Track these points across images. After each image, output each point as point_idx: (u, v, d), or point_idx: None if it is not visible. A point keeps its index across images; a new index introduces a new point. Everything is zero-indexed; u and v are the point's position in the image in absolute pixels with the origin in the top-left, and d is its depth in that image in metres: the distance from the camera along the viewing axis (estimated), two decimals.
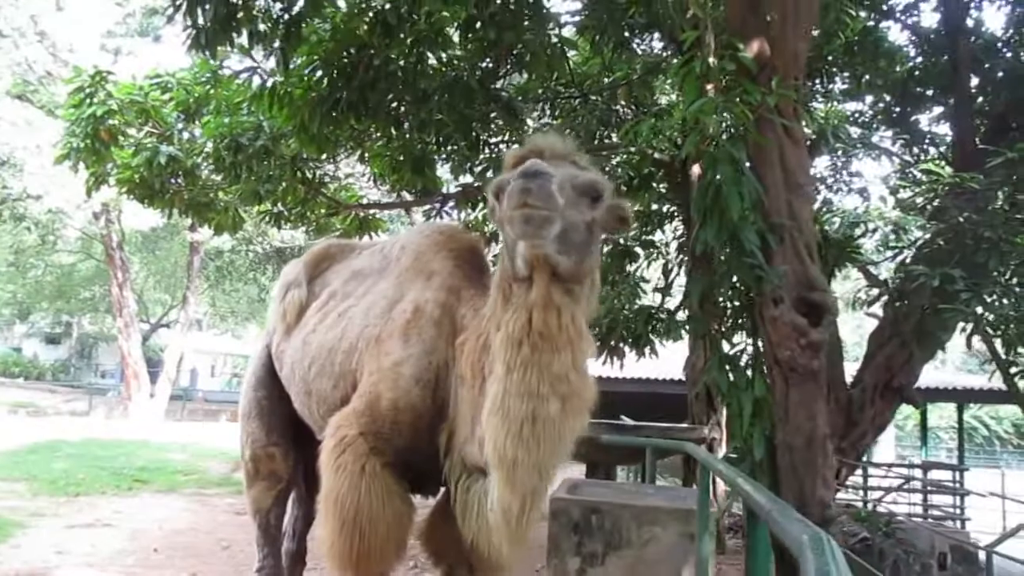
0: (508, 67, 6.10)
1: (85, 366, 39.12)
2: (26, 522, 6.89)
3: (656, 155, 7.25)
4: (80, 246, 27.94)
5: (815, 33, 6.84)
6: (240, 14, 5.26)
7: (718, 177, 4.06)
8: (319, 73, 6.02)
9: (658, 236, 9.47)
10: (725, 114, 4.12)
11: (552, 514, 4.06)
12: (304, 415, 3.15)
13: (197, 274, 22.91)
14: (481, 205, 8.87)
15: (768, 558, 2.21)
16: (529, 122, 7.75)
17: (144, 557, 5.89)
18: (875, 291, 7.91)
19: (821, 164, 9.30)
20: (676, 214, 8.92)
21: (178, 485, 9.71)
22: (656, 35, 7.15)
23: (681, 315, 8.16)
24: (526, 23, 5.16)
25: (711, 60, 4.35)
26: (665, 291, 9.00)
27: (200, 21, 5.11)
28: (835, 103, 8.87)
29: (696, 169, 5.19)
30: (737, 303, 4.77)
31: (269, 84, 6.12)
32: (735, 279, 4.43)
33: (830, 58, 7.54)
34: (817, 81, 7.88)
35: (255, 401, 3.45)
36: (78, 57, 16.67)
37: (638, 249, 8.81)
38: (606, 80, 7.27)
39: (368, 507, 2.43)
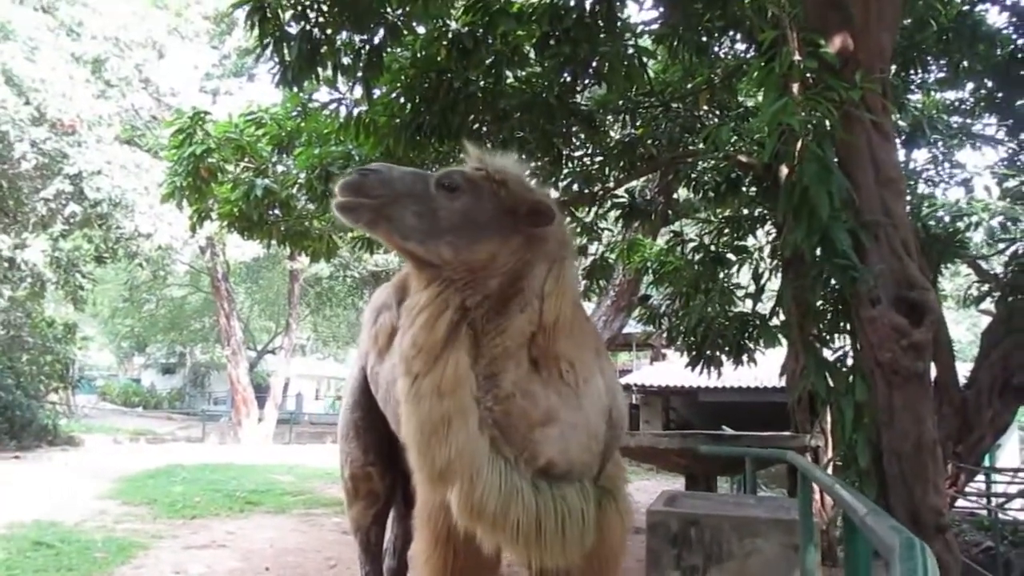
0: (586, 81, 6.10)
1: (199, 394, 40.75)
2: (147, 544, 7.24)
3: (743, 159, 7.11)
4: (189, 280, 29.33)
5: (906, 22, 6.61)
6: (324, 48, 5.47)
7: (805, 177, 3.96)
8: (402, 100, 6.17)
9: (751, 241, 9.27)
10: (809, 113, 4.02)
11: (650, 527, 4.02)
12: (400, 435, 3.22)
13: (298, 301, 23.66)
14: (569, 219, 8.90)
15: (867, 566, 2.12)
16: (612, 134, 7.73)
17: None
18: (986, 286, 7.54)
19: (920, 157, 8.94)
20: (768, 217, 8.71)
21: (287, 506, 10.02)
22: (737, 36, 7.05)
23: (777, 320, 7.95)
24: (601, 35, 5.16)
25: (794, 58, 4.27)
26: (757, 296, 8.79)
27: (286, 57, 5.34)
28: (932, 93, 8.51)
29: (785, 170, 5.07)
30: (832, 305, 4.62)
31: (355, 114, 6.32)
32: (829, 280, 4.31)
33: (924, 47, 7.23)
34: (912, 71, 7.58)
35: (352, 422, 3.55)
36: (180, 100, 17.61)
37: (730, 255, 8.63)
38: (688, 87, 7.17)
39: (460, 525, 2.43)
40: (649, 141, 7.09)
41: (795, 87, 4.23)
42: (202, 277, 25.47)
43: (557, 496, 2.32)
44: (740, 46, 7.15)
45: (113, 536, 7.48)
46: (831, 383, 4.44)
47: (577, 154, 7.61)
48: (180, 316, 33.20)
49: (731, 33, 6.52)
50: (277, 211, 8.23)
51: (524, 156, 6.89)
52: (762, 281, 7.59)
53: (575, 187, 7.70)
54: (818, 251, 4.17)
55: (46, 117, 13.73)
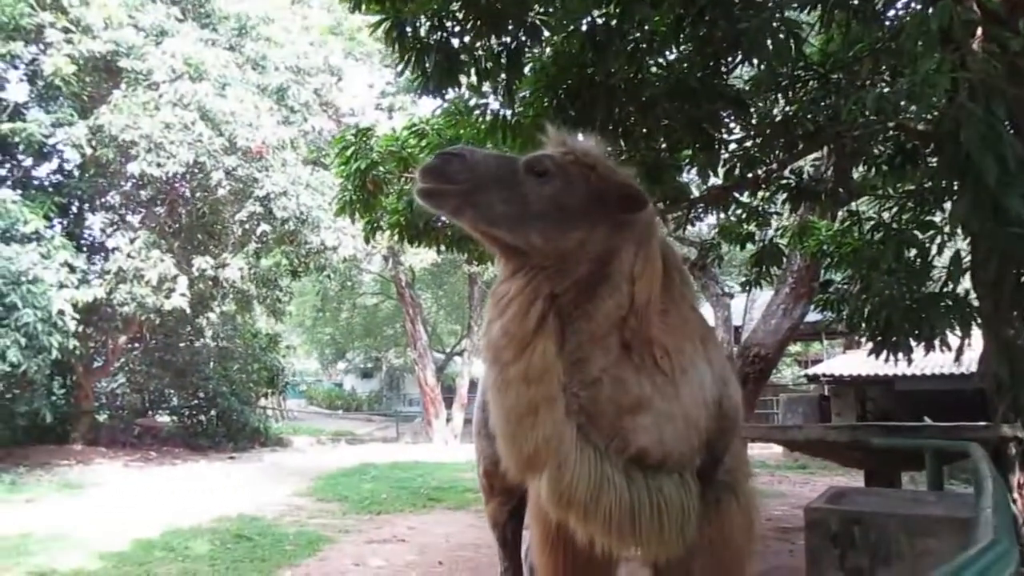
0: (731, 60, 5.84)
1: (395, 396, 42.81)
2: (335, 538, 7.72)
3: (920, 127, 6.55)
4: (380, 288, 30.95)
5: None
6: (463, 55, 5.59)
7: (967, 142, 3.59)
8: (544, 99, 6.19)
9: (940, 216, 8.53)
10: (969, 69, 3.64)
11: (809, 525, 3.79)
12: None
13: (478, 304, 24.33)
14: (734, 207, 8.59)
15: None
16: (773, 113, 7.36)
17: (427, 570, 6.35)
18: None
19: None
20: (952, 189, 7.97)
21: (467, 503, 10.33)
22: None
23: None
24: (736, 12, 4.92)
25: (955, 9, 3.88)
26: (954, 276, 8.06)
27: (427, 67, 5.51)
28: None
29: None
30: (1014, 282, 4.16)
31: (500, 116, 6.40)
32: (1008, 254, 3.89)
33: None
34: None
35: (484, 420, 3.59)
36: (358, 119, 18.66)
37: (916, 232, 7.98)
38: (849, 55, 6.69)
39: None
40: (809, 117, 6.67)
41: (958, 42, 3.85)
42: (390, 285, 26.79)
43: (653, 487, 2.24)
44: (904, 1, 6.59)
45: (304, 530, 8.04)
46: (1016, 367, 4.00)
47: (733, 137, 7.31)
48: (374, 323, 35.12)
49: None
50: (443, 219, 8.48)
51: (672, 145, 6.75)
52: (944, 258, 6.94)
53: (736, 171, 7.41)
54: (988, 223, 3.76)
55: (236, 146, 14.98)
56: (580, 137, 2.43)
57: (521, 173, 2.23)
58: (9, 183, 16.10)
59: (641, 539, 2.22)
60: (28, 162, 16.51)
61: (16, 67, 15.23)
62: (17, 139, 14.01)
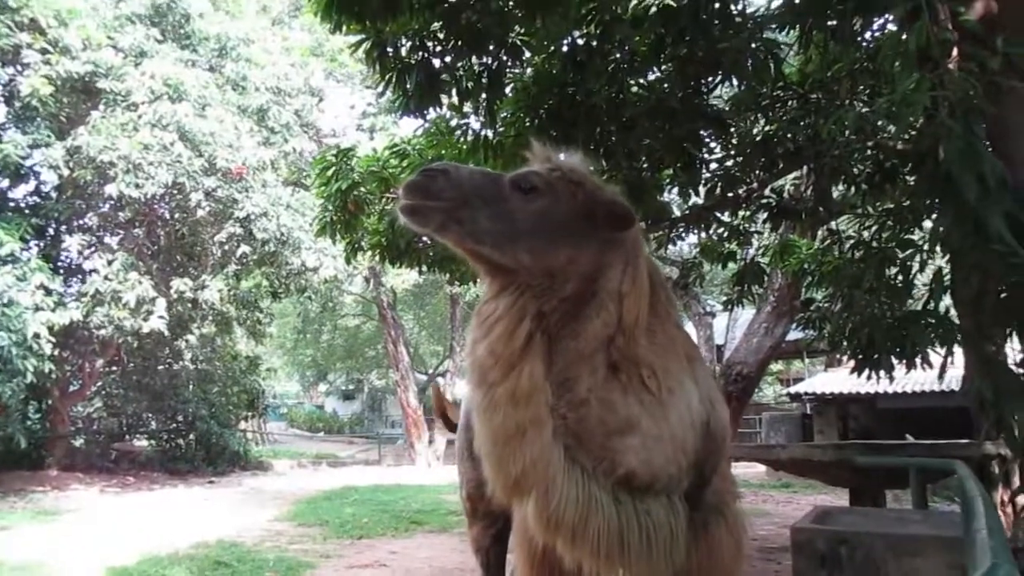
0: (711, 80, 5.88)
1: (376, 418, 42.57)
2: (315, 563, 7.60)
3: (899, 145, 6.61)
4: (361, 309, 30.82)
5: None
6: (444, 75, 5.58)
7: (947, 159, 3.61)
8: (525, 118, 6.19)
9: (920, 234, 8.59)
10: (948, 88, 3.66)
11: (795, 546, 3.76)
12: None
13: (460, 324, 24.27)
14: (716, 226, 8.60)
15: None
16: (753, 132, 7.40)
17: None
18: None
19: None
20: (933, 207, 8.03)
21: (450, 526, 10.22)
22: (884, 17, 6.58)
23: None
24: (716, 33, 4.95)
25: (931, 29, 3.91)
26: (935, 294, 8.09)
27: (409, 87, 5.49)
28: None
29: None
30: (997, 298, 4.17)
31: (481, 136, 6.40)
32: (986, 271, 3.89)
33: None
34: None
35: (467, 442, 3.53)
36: (339, 140, 18.64)
37: (896, 250, 8.02)
38: (828, 75, 6.75)
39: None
40: (788, 136, 6.73)
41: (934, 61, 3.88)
42: (372, 306, 26.69)
43: (641, 510, 2.19)
44: (880, 22, 6.67)
45: (285, 556, 7.91)
46: (999, 385, 4.00)
47: (714, 157, 7.34)
48: (355, 344, 34.92)
49: (868, 14, 6.07)
50: (425, 238, 8.44)
51: (653, 164, 6.77)
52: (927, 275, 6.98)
53: (717, 191, 7.43)
54: (969, 240, 3.77)
55: (216, 167, 14.87)
56: (564, 155, 2.40)
57: (507, 190, 2.20)
58: None
59: (629, 563, 2.17)
60: (4, 183, 16.33)
61: None
62: None
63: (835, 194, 8.68)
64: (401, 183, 8.17)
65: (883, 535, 3.64)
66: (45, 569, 7.39)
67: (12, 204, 16.39)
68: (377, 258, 8.99)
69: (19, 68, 14.70)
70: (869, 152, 6.90)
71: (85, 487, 15.43)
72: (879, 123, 4.97)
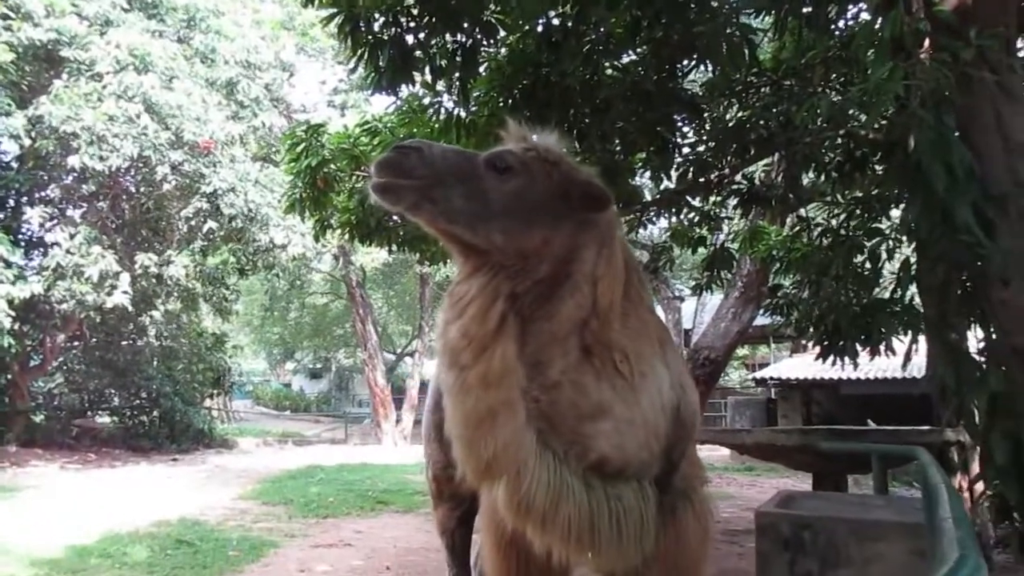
0: (686, 64, 5.86)
1: (344, 397, 42.43)
2: (279, 542, 7.55)
3: (870, 135, 6.65)
4: (330, 287, 30.60)
5: None
6: (417, 52, 5.50)
7: (918, 149, 3.63)
8: (499, 98, 6.13)
9: (887, 223, 8.68)
10: (920, 78, 3.68)
11: (760, 529, 3.79)
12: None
13: (429, 304, 24.18)
14: (687, 211, 8.61)
15: None
16: (727, 118, 7.41)
17: (375, 575, 6.23)
18: None
19: None
20: (902, 197, 8.11)
21: (416, 506, 10.21)
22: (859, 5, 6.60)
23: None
24: (692, 16, 4.92)
25: (905, 19, 3.92)
26: (902, 282, 8.20)
27: (381, 64, 5.41)
28: None
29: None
30: (960, 287, 4.22)
31: (454, 115, 6.33)
32: (952, 260, 3.94)
33: None
34: None
35: (434, 424, 3.50)
36: (310, 116, 18.38)
37: (864, 238, 8.11)
38: (801, 62, 6.77)
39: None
40: (761, 123, 6.74)
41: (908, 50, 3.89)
42: (341, 285, 26.49)
43: (612, 495, 2.18)
44: (855, 11, 6.69)
45: (248, 535, 7.85)
46: (959, 373, 4.06)
47: (687, 142, 7.34)
48: (323, 323, 34.72)
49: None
50: (396, 217, 8.36)
51: (627, 148, 6.75)
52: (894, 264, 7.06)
53: (689, 176, 7.44)
54: (937, 229, 3.81)
55: (183, 140, 14.62)
56: (539, 135, 2.36)
57: (482, 169, 2.15)
58: None
59: (599, 549, 2.15)
60: None
61: None
62: None
63: (805, 181, 8.75)
64: (373, 160, 8.13)
65: (846, 520, 3.69)
66: (2, 547, 7.25)
67: None
68: (347, 236, 8.90)
69: None
70: (840, 141, 6.95)
71: (45, 463, 15.20)
72: (851, 112, 4.98)
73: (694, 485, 2.52)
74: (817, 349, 8.47)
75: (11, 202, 16.25)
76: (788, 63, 6.74)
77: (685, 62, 5.79)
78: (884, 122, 5.43)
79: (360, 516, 9.44)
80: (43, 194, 16.43)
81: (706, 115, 6.73)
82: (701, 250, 8.97)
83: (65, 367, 19.82)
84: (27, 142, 14.36)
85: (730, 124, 6.80)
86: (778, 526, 3.70)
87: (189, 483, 13.05)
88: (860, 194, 7.99)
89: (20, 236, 16.02)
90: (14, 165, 16.12)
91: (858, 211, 7.95)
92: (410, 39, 5.45)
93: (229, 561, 6.66)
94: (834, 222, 8.07)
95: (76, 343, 19.12)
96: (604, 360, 2.18)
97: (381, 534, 8.17)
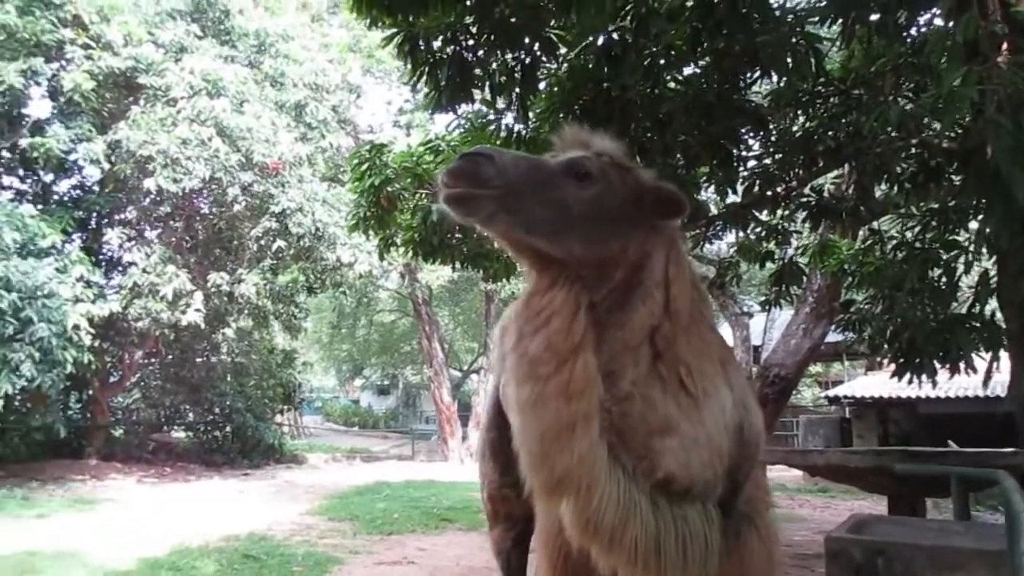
0: (749, 75, 5.74)
1: (411, 413, 42.74)
2: (343, 559, 7.60)
3: (944, 143, 6.41)
4: (396, 305, 30.96)
5: None
6: (476, 70, 5.52)
7: (996, 157, 3.46)
8: (560, 114, 6.09)
9: (965, 235, 8.34)
10: (997, 83, 3.50)
11: (829, 555, 3.63)
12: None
13: (494, 322, 24.21)
14: (753, 224, 8.43)
15: None
16: (792, 129, 7.24)
17: None
18: None
19: None
20: (980, 207, 7.78)
21: (479, 524, 10.12)
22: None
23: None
24: (755, 26, 4.81)
25: (980, 22, 3.75)
26: (982, 297, 7.86)
27: (441, 83, 5.44)
28: None
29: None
30: None
31: (514, 132, 6.33)
32: None
33: None
34: None
35: (488, 442, 3.46)
36: (376, 136, 18.69)
37: (940, 251, 7.80)
38: (871, 70, 6.56)
39: (578, 549, 2.26)
40: (829, 134, 6.55)
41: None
42: (408, 302, 26.75)
43: (678, 516, 2.08)
44: (927, 16, 6.46)
45: (314, 551, 7.92)
46: None
47: (752, 154, 7.19)
48: (390, 340, 35.11)
49: (915, 6, 5.88)
50: (459, 234, 8.39)
51: (690, 160, 6.64)
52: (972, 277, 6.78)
53: (755, 189, 7.29)
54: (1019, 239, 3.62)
55: (253, 162, 15.01)
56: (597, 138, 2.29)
57: (558, 176, 2.07)
58: (29, 198, 16.27)
59: (664, 572, 2.05)
60: (49, 177, 16.70)
61: (38, 83, 15.36)
62: (36, 154, 14.10)
63: (877, 193, 8.48)
64: (436, 176, 8.13)
65: (922, 547, 3.50)
66: (79, 558, 7.48)
67: (56, 197, 16.77)
68: (410, 254, 8.96)
69: (63, 64, 14.95)
70: (913, 150, 6.70)
71: (123, 477, 15.66)
72: (924, 120, 4.79)
73: (759, 508, 2.41)
74: (893, 366, 8.19)
75: (92, 224, 16.92)
76: (857, 71, 6.55)
77: (748, 73, 5.66)
78: (959, 130, 5.24)
79: (424, 533, 9.45)
80: (122, 216, 17.07)
81: (771, 126, 6.56)
82: (769, 265, 8.75)
83: (142, 383, 20.44)
84: (107, 166, 14.96)
85: (797, 135, 6.63)
86: (849, 552, 3.53)
87: (259, 498, 13.28)
88: (935, 205, 7.70)
89: (100, 256, 16.66)
90: (95, 189, 16.81)
91: (934, 223, 7.66)
92: (469, 57, 5.46)
93: None
94: (908, 234, 7.80)
95: (153, 360, 19.73)
96: (671, 372, 2.11)
97: (444, 552, 8.16)
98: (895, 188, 7.52)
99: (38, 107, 15.67)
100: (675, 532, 2.08)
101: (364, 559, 7.64)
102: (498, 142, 6.73)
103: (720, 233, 9.28)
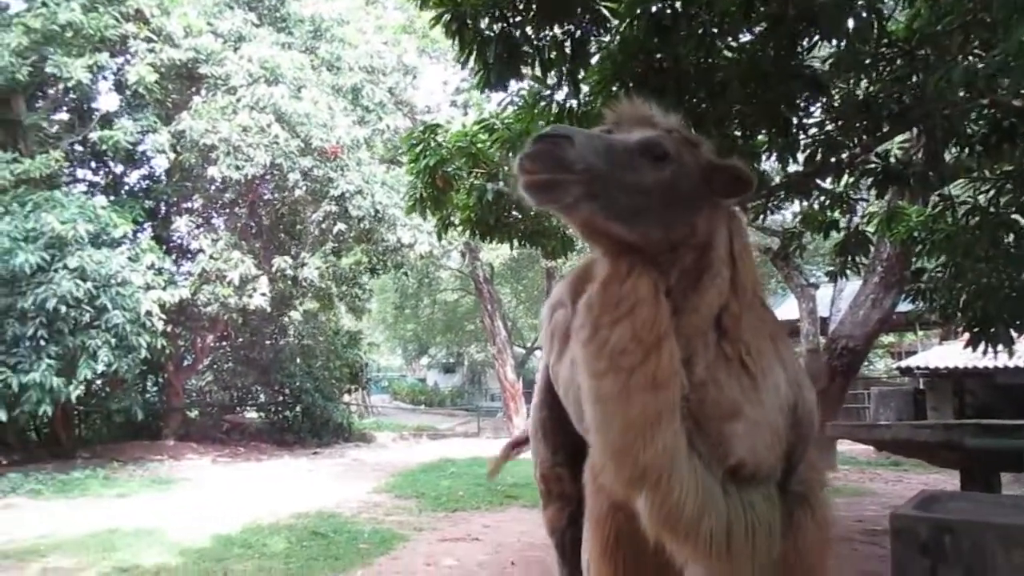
0: (807, 40, 5.55)
1: (477, 391, 43.17)
2: (409, 535, 7.72)
3: (1017, 102, 6.11)
4: (459, 283, 31.18)
5: None
6: (525, 46, 5.46)
7: None
8: (612, 87, 6.00)
9: None
10: None
11: (895, 532, 3.51)
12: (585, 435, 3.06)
13: None
14: (817, 193, 8.21)
15: None
16: (856, 93, 7.00)
17: (499, 570, 6.27)
18: None
19: None
20: None
21: None
22: None
23: None
24: None
25: None
26: None
27: (489, 60, 5.40)
28: None
29: None
30: None
31: (566, 107, 6.26)
32: None
33: None
34: None
35: (540, 421, 3.45)
36: (433, 117, 18.74)
37: (1016, 216, 7.48)
38: (937, 28, 6.28)
39: (629, 530, 2.23)
40: (894, 96, 6.30)
41: None
42: (470, 281, 26.92)
43: (746, 502, 2.04)
44: None
45: (380, 528, 8.07)
46: None
47: (813, 121, 6.97)
48: (454, 318, 35.42)
49: None
50: (516, 212, 8.36)
51: (747, 130, 6.47)
52: None
53: (818, 157, 7.08)
54: None
55: (312, 147, 15.22)
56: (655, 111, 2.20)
57: (634, 156, 1.97)
58: (100, 189, 16.82)
59: (732, 560, 2.01)
60: (119, 169, 17.23)
61: (104, 78, 15.82)
62: (106, 147, 14.54)
63: (948, 157, 8.16)
64: (491, 155, 8.08)
65: (993, 524, 3.36)
66: (157, 535, 7.76)
67: (126, 188, 17.31)
68: (468, 234, 8.98)
69: (127, 58, 15.37)
70: (985, 110, 6.41)
71: (199, 456, 16.18)
72: (995, 77, 4.57)
73: (813, 489, 2.34)
74: (968, 336, 7.92)
75: (161, 213, 17.42)
76: (922, 31, 6.28)
77: (806, 38, 5.48)
78: None
79: (489, 510, 9.53)
80: (189, 204, 17.54)
81: (832, 92, 6.35)
82: (834, 234, 8.51)
83: (214, 366, 21.08)
84: (173, 156, 15.36)
85: (859, 99, 6.39)
86: (915, 529, 3.42)
87: (328, 476, 13.59)
88: (1010, 167, 7.39)
89: (170, 244, 17.15)
90: (163, 178, 17.31)
91: (1008, 186, 7.35)
92: (516, 33, 5.41)
93: (360, 553, 6.86)
94: (981, 199, 7.50)
95: (223, 343, 20.32)
96: (734, 352, 2.06)
97: (509, 528, 8.21)
98: (966, 151, 7.21)
99: (106, 101, 16.16)
100: (744, 519, 2.04)
101: (429, 536, 7.75)
102: (551, 119, 6.68)
103: (782, 203, 9.08)
